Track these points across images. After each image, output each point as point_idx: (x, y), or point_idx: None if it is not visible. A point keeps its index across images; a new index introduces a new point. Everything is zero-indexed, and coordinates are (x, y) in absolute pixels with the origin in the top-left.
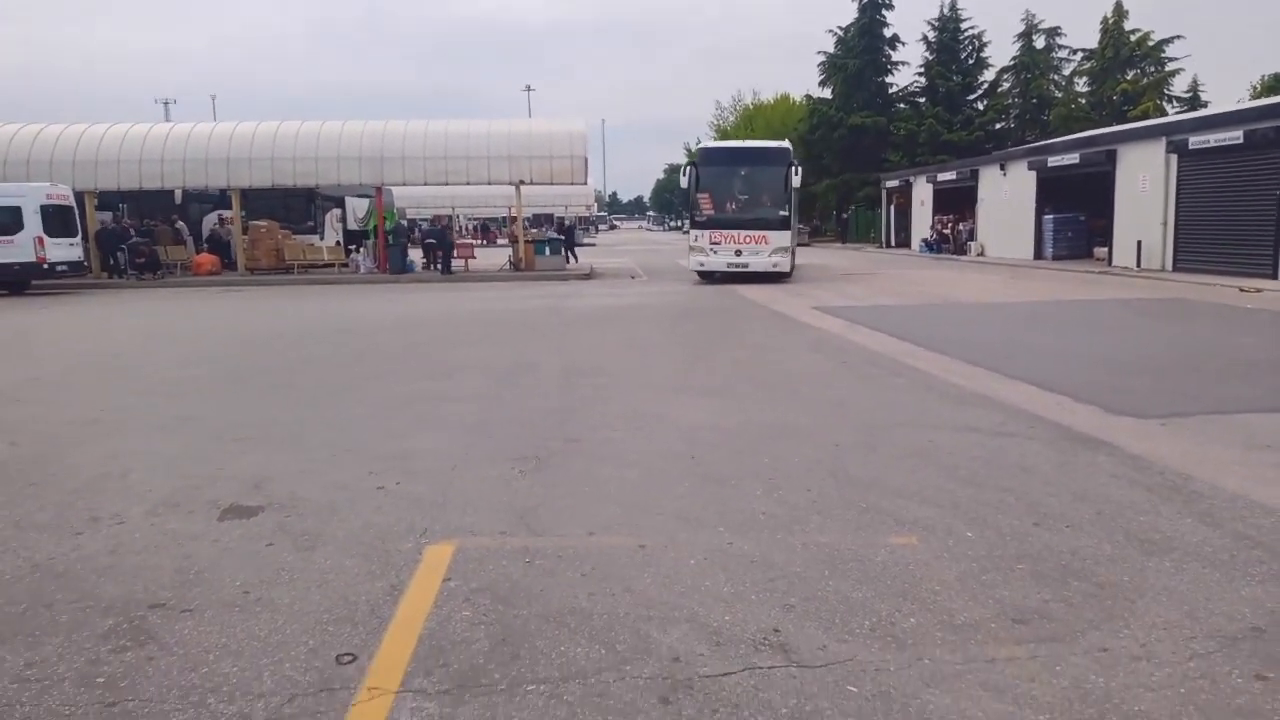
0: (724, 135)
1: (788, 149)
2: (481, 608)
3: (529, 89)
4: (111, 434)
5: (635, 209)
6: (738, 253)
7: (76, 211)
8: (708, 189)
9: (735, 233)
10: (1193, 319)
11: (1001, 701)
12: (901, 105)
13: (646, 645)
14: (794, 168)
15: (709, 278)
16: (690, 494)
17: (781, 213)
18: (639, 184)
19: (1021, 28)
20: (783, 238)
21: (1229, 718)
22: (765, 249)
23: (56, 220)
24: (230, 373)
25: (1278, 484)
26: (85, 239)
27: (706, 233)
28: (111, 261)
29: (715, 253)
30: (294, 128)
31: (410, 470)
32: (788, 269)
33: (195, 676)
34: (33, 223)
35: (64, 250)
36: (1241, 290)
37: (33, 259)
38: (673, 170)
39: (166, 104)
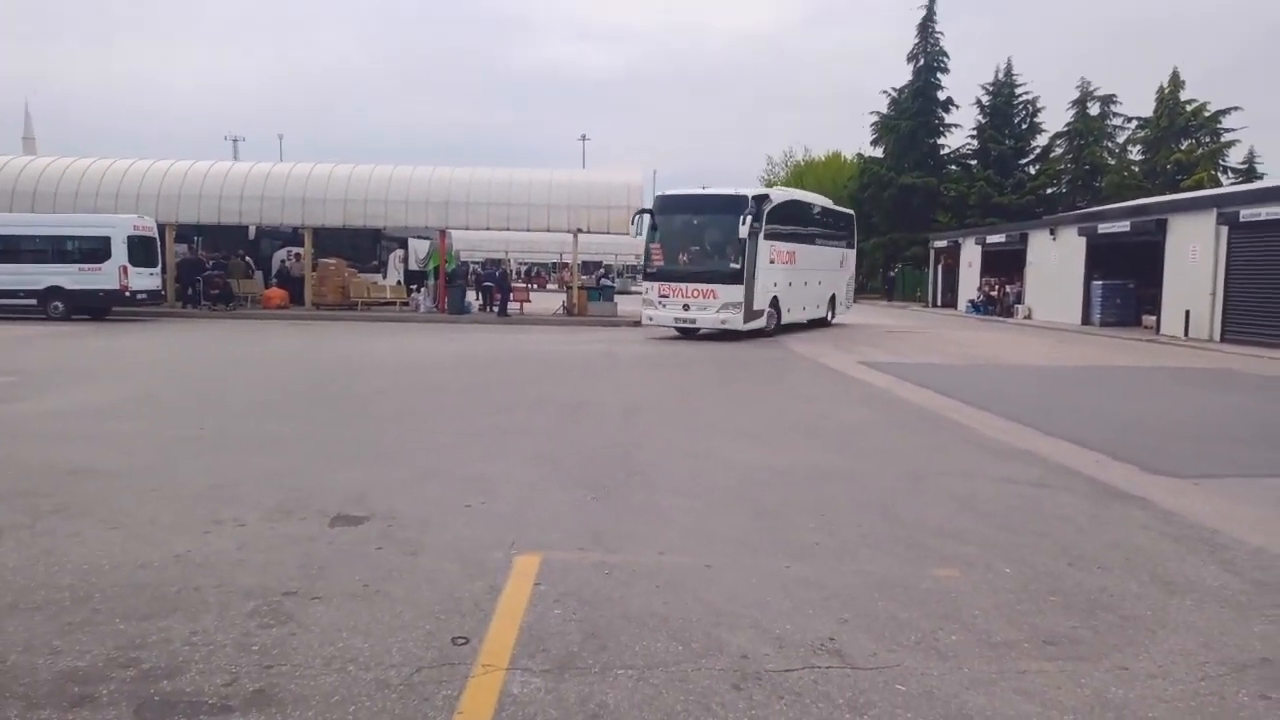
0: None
1: (744, 197)
2: (570, 608)
3: (584, 138)
4: (215, 450)
5: None
6: (685, 307)
7: (158, 243)
8: (661, 239)
9: (683, 285)
10: (1235, 389)
11: (1031, 704)
12: (953, 167)
13: (718, 644)
14: (747, 217)
15: (688, 333)
16: (748, 524)
17: (733, 265)
18: None
19: (1076, 94)
20: (733, 292)
21: (1237, 716)
22: (713, 304)
23: (140, 250)
24: (310, 400)
25: None
26: (164, 269)
27: (655, 285)
28: (189, 291)
29: (664, 306)
30: (366, 171)
31: (490, 492)
32: (740, 325)
33: (333, 650)
34: (119, 252)
35: (145, 279)
36: None
37: (117, 286)
38: None
39: (235, 141)
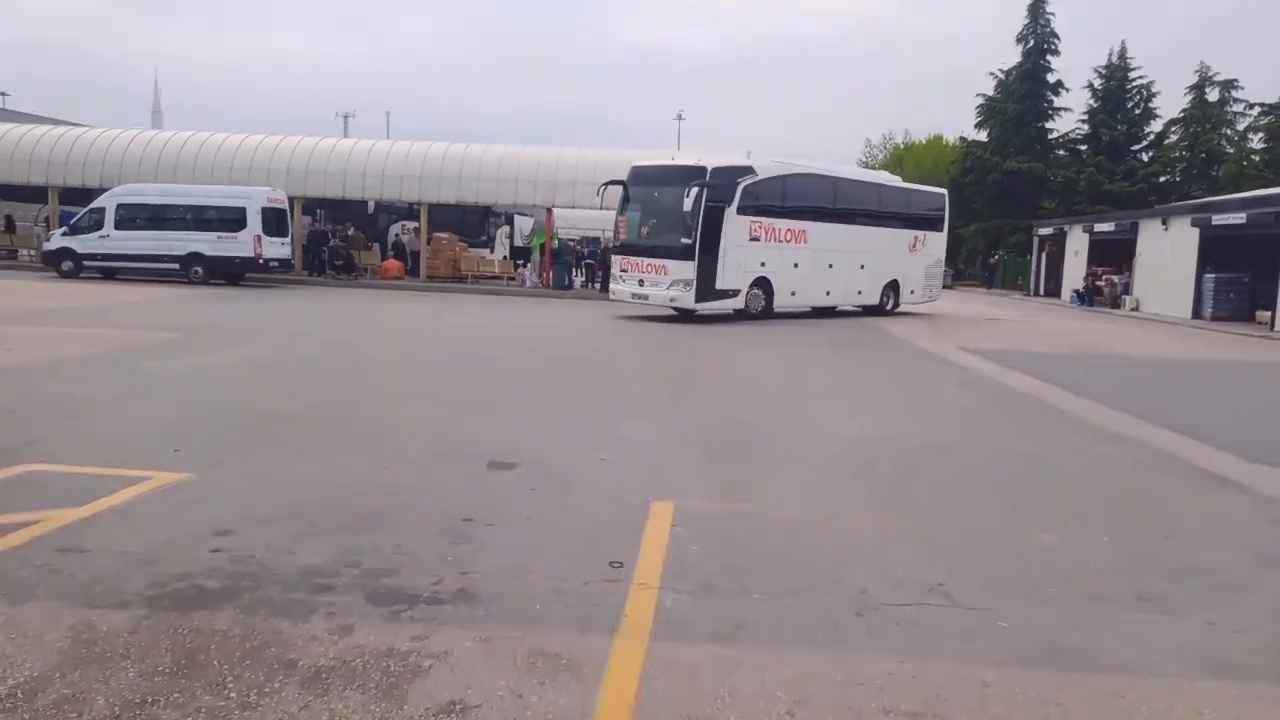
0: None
1: (701, 169)
2: (706, 545)
3: (680, 118)
4: (375, 402)
5: None
6: (640, 282)
7: (288, 214)
8: (627, 212)
9: (639, 260)
10: None
11: (1125, 645)
12: (1061, 152)
13: (840, 580)
14: (704, 191)
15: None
16: (860, 486)
17: (684, 240)
18: None
19: (1194, 79)
20: (684, 269)
21: None
22: (664, 280)
23: (272, 221)
24: (445, 362)
25: None
26: (292, 239)
27: (619, 259)
28: (315, 261)
29: (624, 281)
30: (478, 150)
31: (619, 449)
32: (690, 304)
33: (513, 563)
34: (254, 222)
35: (276, 248)
36: None
37: (251, 254)
38: None
39: (345, 117)
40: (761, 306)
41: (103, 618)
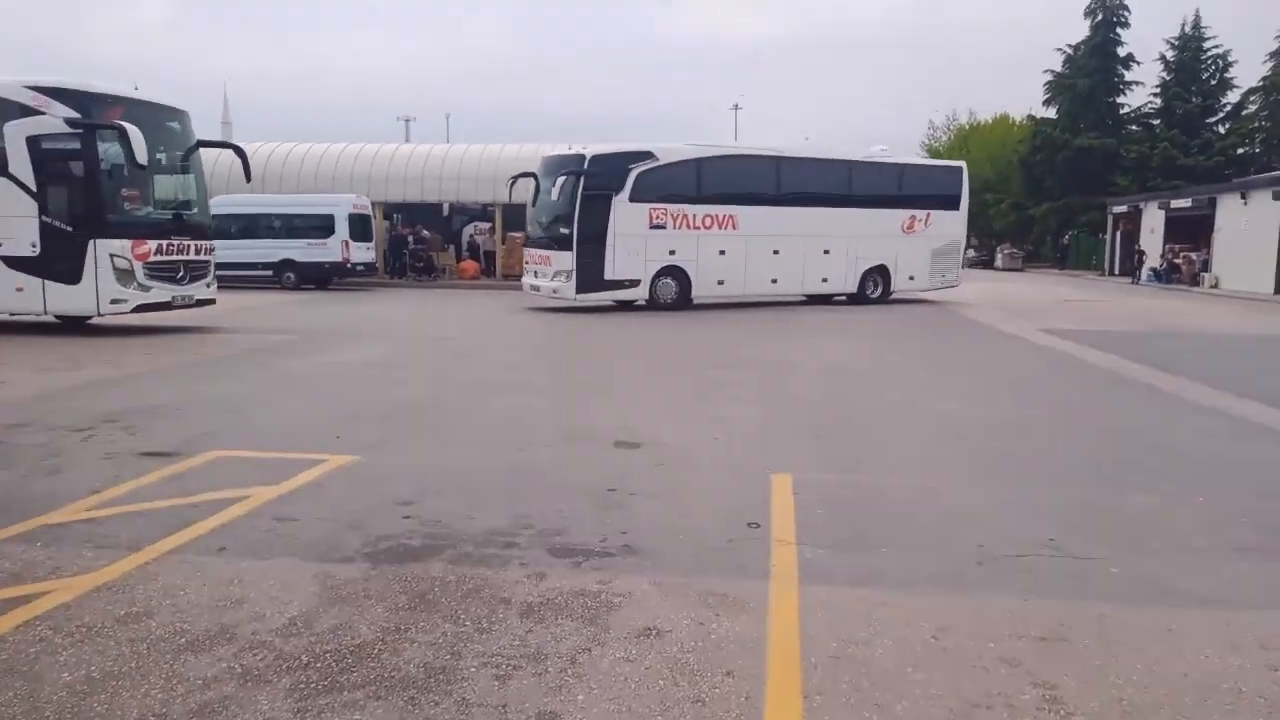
0: (936, 155)
1: (581, 157)
2: (831, 509)
3: (737, 107)
4: (493, 392)
5: None
6: (535, 274)
7: (371, 220)
8: (536, 203)
9: (533, 252)
10: None
11: (1227, 586)
12: (1133, 127)
13: (959, 537)
14: (580, 180)
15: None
16: (961, 458)
17: (563, 230)
18: None
19: (1275, 46)
20: (563, 259)
21: None
22: (548, 270)
23: (358, 226)
24: (544, 354)
25: None
26: (374, 244)
27: (527, 251)
28: (396, 264)
29: (527, 273)
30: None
31: (731, 429)
32: (571, 295)
33: (663, 524)
34: (341, 228)
35: (362, 253)
36: None
37: (340, 259)
38: None
39: (407, 121)
40: (673, 296)
41: (337, 570)
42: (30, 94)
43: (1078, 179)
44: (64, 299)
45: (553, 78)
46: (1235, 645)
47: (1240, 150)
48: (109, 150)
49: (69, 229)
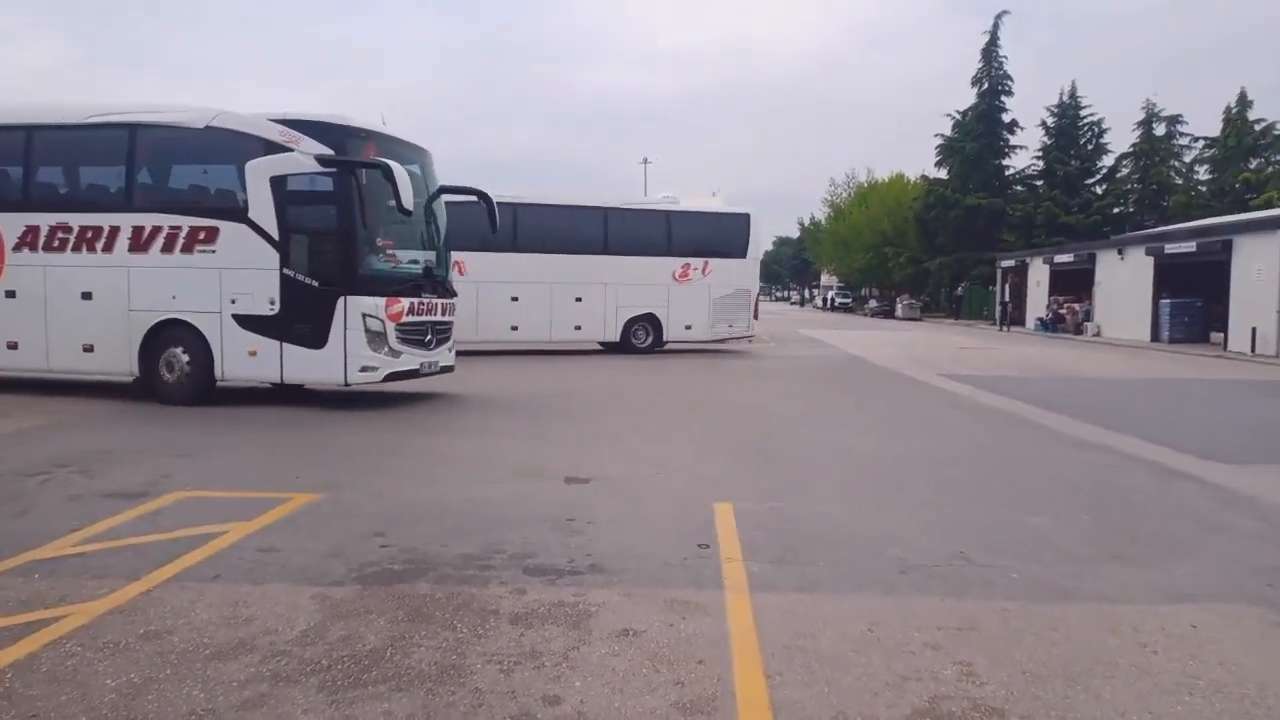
0: (838, 211)
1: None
2: (769, 532)
3: (646, 161)
4: (429, 435)
5: None
6: None
7: None
8: None
9: None
10: None
11: (1105, 585)
12: (1018, 187)
13: (882, 552)
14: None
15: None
16: (875, 489)
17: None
18: None
19: (1142, 115)
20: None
21: (1247, 597)
22: None
23: None
24: (494, 402)
25: None
26: None
27: None
28: None
29: None
30: None
31: (667, 465)
32: None
33: (622, 547)
34: None
35: None
36: None
37: None
38: (782, 242)
39: None
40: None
41: (331, 591)
42: (277, 128)
43: (969, 235)
44: (305, 366)
45: (459, 129)
46: (1114, 629)
47: (1116, 209)
48: (367, 193)
49: (315, 284)
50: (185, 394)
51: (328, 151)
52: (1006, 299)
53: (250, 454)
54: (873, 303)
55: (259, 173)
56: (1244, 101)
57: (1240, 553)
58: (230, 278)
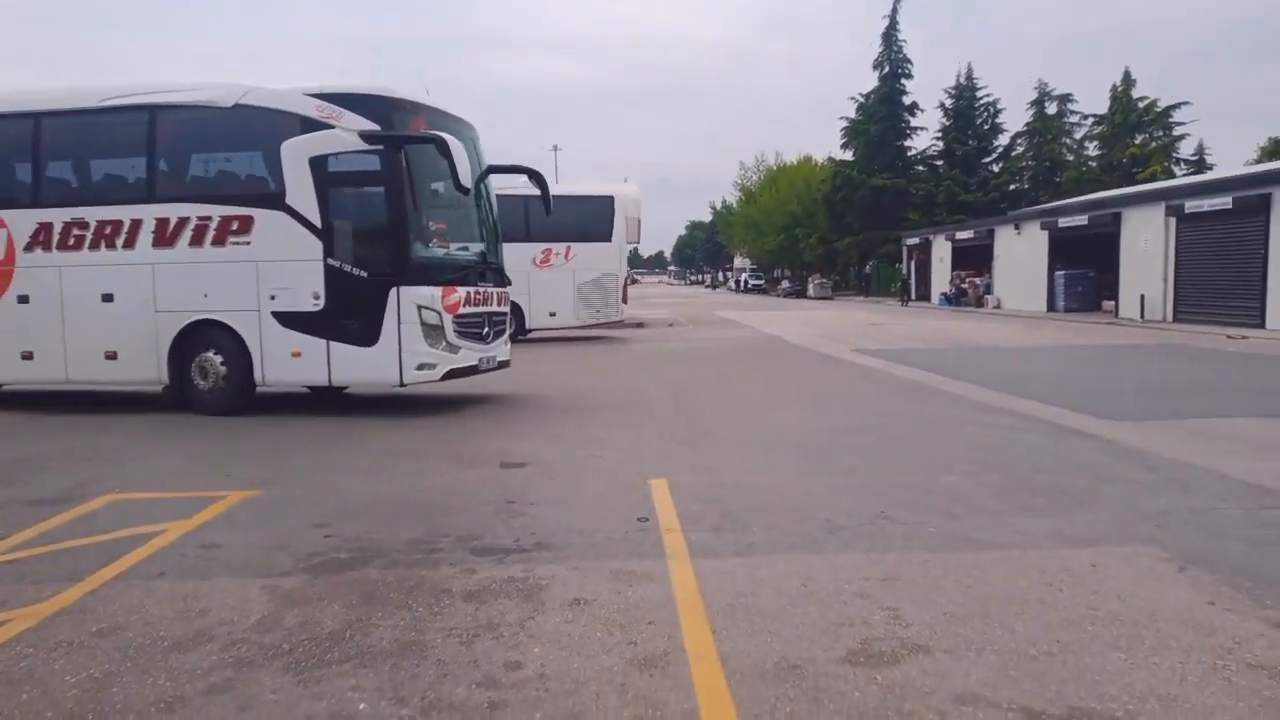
0: (748, 194)
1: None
2: (704, 503)
3: (556, 149)
4: (360, 429)
5: (656, 264)
6: None
7: None
8: None
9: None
10: (1180, 359)
11: (1013, 534)
12: (920, 167)
13: (809, 516)
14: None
15: None
16: (801, 459)
17: None
18: (660, 240)
19: (1034, 95)
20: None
21: (1139, 539)
22: None
23: None
24: (461, 386)
25: (1202, 453)
26: None
27: None
28: None
29: None
30: None
31: (605, 447)
32: None
33: (566, 525)
34: None
35: None
36: (1229, 337)
37: None
38: (695, 227)
39: None
40: None
41: (281, 582)
42: (314, 104)
43: (875, 215)
44: (354, 366)
45: None
46: (1023, 572)
47: (1012, 186)
48: (418, 171)
49: (364, 274)
50: (222, 402)
51: (373, 127)
52: (905, 275)
53: (179, 454)
54: (785, 283)
55: (297, 153)
56: (1128, 81)
57: (1132, 500)
58: (268, 271)
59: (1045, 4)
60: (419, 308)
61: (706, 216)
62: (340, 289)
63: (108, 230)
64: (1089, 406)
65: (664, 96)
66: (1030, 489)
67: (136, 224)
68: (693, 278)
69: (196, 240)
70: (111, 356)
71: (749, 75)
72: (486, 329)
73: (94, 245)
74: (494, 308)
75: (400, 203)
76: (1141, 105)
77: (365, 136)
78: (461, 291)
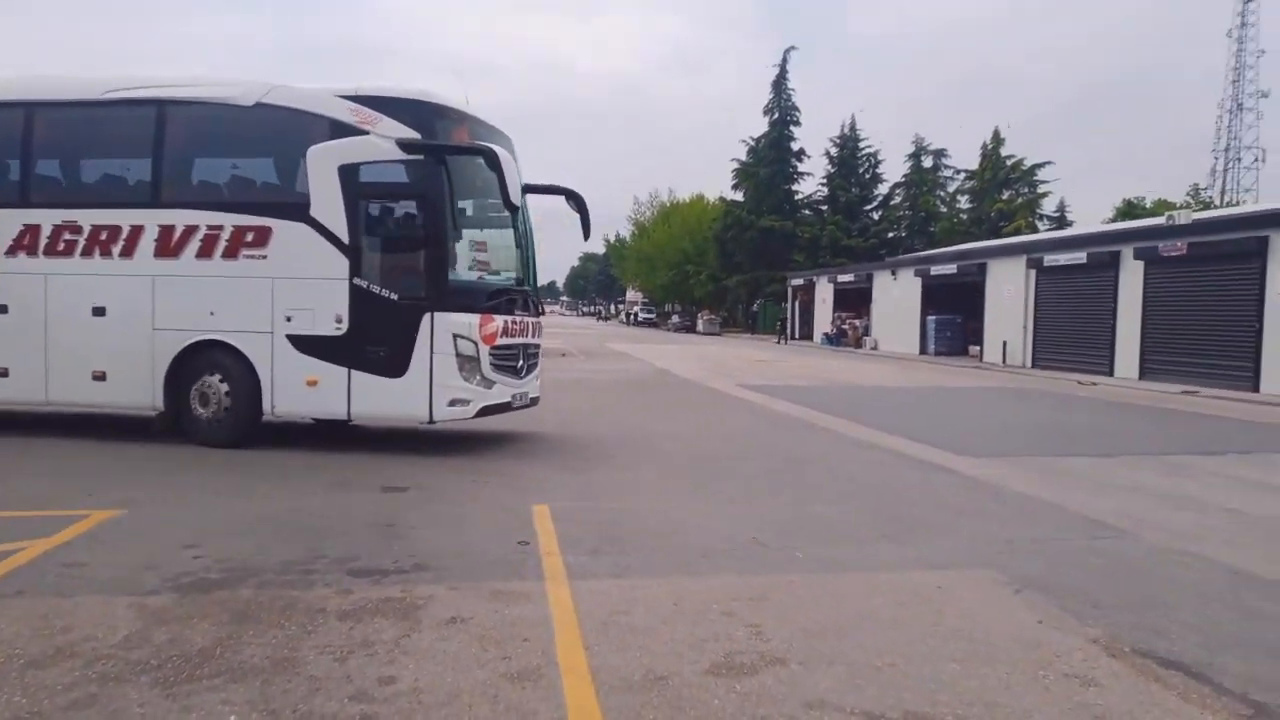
0: (642, 229)
1: None
2: (584, 527)
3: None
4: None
5: (548, 293)
6: None
7: None
8: None
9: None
10: (1034, 402)
11: (876, 558)
12: (807, 211)
13: (686, 540)
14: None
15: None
16: (685, 487)
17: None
18: (552, 270)
19: (912, 148)
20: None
21: (983, 564)
22: None
23: None
24: None
25: (1047, 489)
26: None
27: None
28: None
29: None
30: None
31: (489, 473)
32: None
33: (447, 546)
34: None
35: None
36: (1080, 383)
37: None
38: (588, 259)
39: None
40: None
41: (149, 600)
42: (347, 106)
43: (763, 255)
44: (378, 398)
45: None
46: (878, 593)
47: (891, 234)
48: (459, 186)
49: (394, 297)
50: (223, 433)
51: (413, 135)
52: (783, 316)
53: (37, 472)
54: (676, 318)
55: (325, 160)
56: (998, 139)
57: (982, 530)
58: (285, 289)
59: (926, 59)
60: (455, 337)
61: (600, 249)
62: (367, 312)
63: (104, 236)
64: (951, 444)
65: (556, 125)
66: (892, 518)
67: (137, 230)
68: (585, 309)
69: (205, 251)
70: (99, 377)
71: (645, 109)
72: (521, 362)
73: (87, 252)
74: (529, 339)
75: (439, 220)
76: (1009, 162)
77: (404, 145)
78: (499, 321)
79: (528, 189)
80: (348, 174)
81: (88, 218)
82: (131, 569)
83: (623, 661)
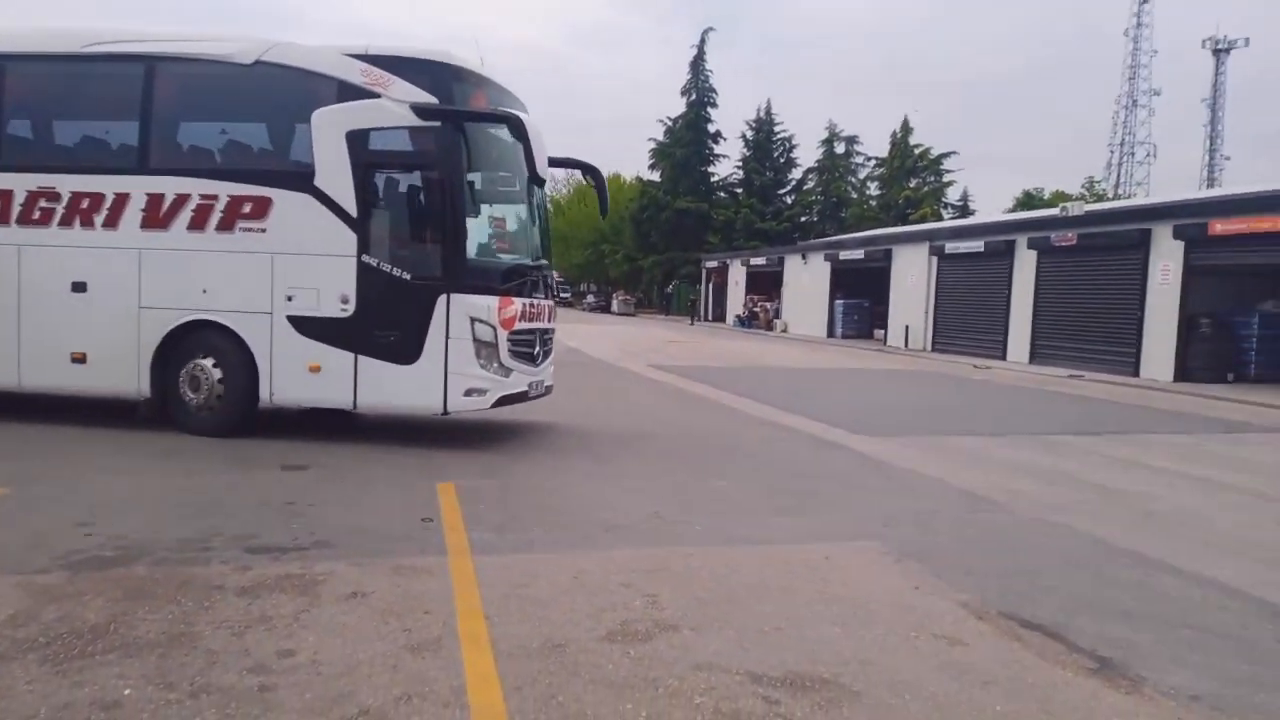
0: (557, 207)
1: None
2: (488, 504)
3: None
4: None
5: None
6: None
7: None
8: None
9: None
10: (931, 384)
11: (770, 532)
12: (722, 194)
13: (589, 516)
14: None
15: None
16: (589, 464)
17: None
18: None
19: (825, 134)
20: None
21: (868, 535)
22: None
23: None
24: None
25: (933, 465)
26: None
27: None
28: None
29: None
30: None
31: (393, 451)
32: None
33: (349, 524)
34: None
35: None
36: (975, 366)
37: None
38: None
39: None
40: None
41: (37, 578)
42: (357, 66)
43: (679, 236)
44: (388, 387)
45: None
46: (769, 563)
47: (803, 218)
48: (478, 156)
49: (407, 276)
50: (215, 421)
51: (429, 99)
52: (692, 297)
53: None
54: (590, 298)
55: (332, 125)
56: (906, 128)
57: (870, 504)
58: (286, 266)
59: (843, 46)
60: (473, 320)
61: None
62: (376, 293)
63: (85, 204)
64: (847, 423)
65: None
66: (786, 492)
67: (122, 199)
68: None
69: (197, 223)
70: (79, 359)
71: (560, 84)
72: (538, 348)
73: (65, 222)
74: (545, 324)
75: (457, 192)
76: (917, 151)
77: (419, 110)
78: (518, 304)
79: (551, 162)
80: (357, 141)
81: (67, 184)
82: (19, 547)
83: (522, 631)
